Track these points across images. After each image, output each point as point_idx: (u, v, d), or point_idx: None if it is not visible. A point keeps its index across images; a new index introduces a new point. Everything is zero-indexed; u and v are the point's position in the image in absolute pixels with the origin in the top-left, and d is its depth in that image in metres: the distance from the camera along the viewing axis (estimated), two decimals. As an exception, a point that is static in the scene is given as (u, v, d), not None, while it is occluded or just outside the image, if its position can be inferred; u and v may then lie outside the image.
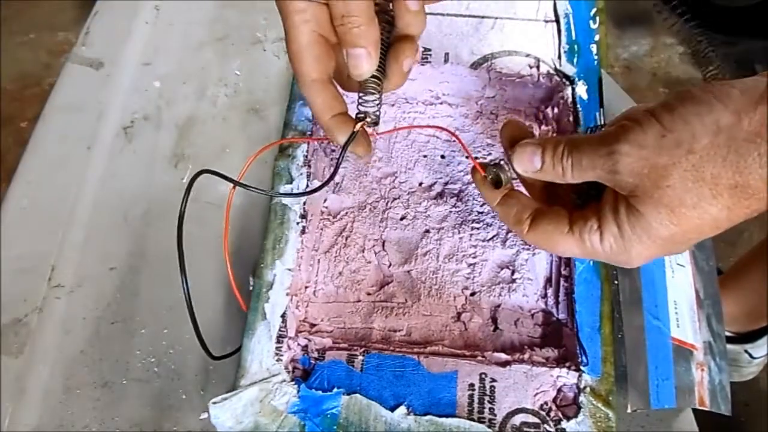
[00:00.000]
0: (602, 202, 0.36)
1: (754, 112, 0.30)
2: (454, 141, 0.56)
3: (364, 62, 0.38)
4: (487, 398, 0.42)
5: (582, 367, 0.43)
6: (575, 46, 0.55)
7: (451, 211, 0.52)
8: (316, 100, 0.41)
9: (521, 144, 0.39)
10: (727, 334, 0.95)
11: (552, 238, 0.38)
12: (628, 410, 0.42)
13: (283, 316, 0.45)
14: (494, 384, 0.43)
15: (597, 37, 0.55)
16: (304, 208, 0.49)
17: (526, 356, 0.45)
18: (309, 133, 0.52)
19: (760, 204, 0.31)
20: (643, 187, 0.33)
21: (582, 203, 0.39)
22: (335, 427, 0.41)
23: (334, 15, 0.37)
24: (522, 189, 0.43)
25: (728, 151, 0.31)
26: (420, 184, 0.54)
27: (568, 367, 0.43)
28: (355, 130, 0.41)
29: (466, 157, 0.54)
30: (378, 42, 0.38)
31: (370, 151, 0.45)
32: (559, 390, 0.43)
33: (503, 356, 0.44)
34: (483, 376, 0.43)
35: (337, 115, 0.41)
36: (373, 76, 0.40)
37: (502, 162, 0.41)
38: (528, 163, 0.39)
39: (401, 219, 0.52)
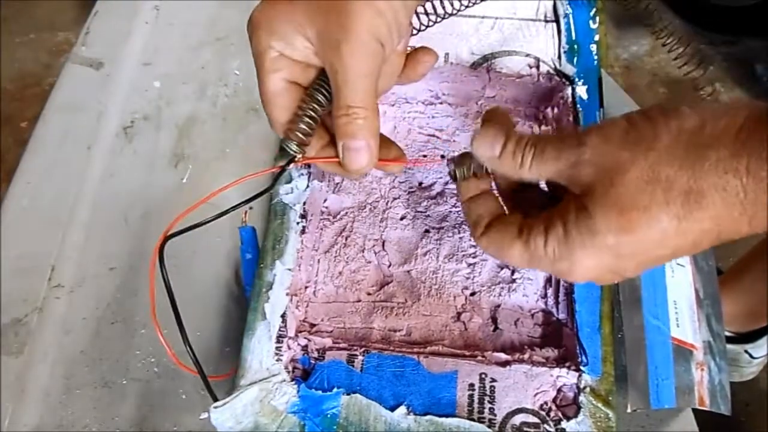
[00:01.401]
0: (554, 209, 0.35)
1: (720, 120, 0.30)
2: (453, 141, 0.56)
3: (364, 156, 0.36)
4: (487, 398, 0.42)
5: (582, 367, 0.43)
6: (575, 46, 0.55)
7: (451, 211, 0.52)
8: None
9: (486, 126, 0.37)
10: (727, 334, 0.95)
11: (501, 243, 0.36)
12: (628, 410, 0.42)
13: (283, 316, 0.45)
14: (494, 384, 0.43)
15: (597, 37, 0.55)
16: (304, 208, 0.49)
17: (526, 356, 0.45)
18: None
19: (711, 223, 0.30)
20: (598, 184, 0.31)
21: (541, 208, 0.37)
22: (335, 427, 0.41)
23: (337, 103, 0.35)
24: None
25: (687, 152, 0.30)
26: (420, 183, 0.54)
27: (568, 367, 0.43)
28: (285, 167, 0.39)
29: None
30: (378, 133, 0.36)
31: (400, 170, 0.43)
32: (559, 390, 0.43)
33: (503, 356, 0.44)
34: (483, 376, 0.43)
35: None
36: (310, 117, 0.37)
37: (466, 153, 0.39)
38: (488, 148, 0.36)
39: (401, 219, 0.52)
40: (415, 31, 0.40)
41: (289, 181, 0.50)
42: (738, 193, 0.29)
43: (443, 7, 0.40)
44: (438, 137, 0.56)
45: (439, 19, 0.40)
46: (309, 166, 0.50)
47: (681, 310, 0.48)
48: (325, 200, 0.53)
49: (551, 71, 0.54)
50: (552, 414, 0.42)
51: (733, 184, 0.29)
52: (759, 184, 0.28)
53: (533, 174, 0.35)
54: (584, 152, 0.32)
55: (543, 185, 0.40)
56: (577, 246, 0.32)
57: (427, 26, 0.40)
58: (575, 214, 0.33)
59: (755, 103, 0.30)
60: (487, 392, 0.42)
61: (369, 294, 0.50)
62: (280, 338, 0.44)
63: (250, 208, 0.54)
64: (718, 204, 0.29)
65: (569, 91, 0.53)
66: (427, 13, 0.39)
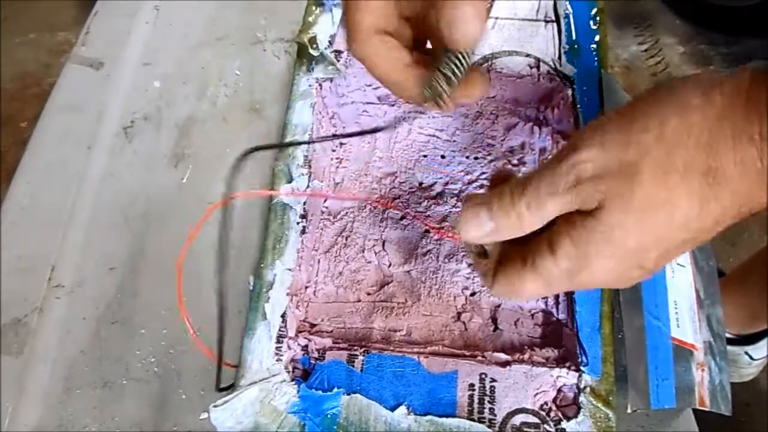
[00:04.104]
0: (553, 225, 0.32)
1: (724, 86, 0.28)
2: (454, 141, 0.56)
3: (470, 21, 0.31)
4: (487, 398, 0.42)
5: (582, 368, 0.43)
6: (575, 47, 0.55)
7: (451, 211, 0.52)
8: (379, 53, 0.34)
9: (463, 208, 0.33)
10: (728, 335, 0.95)
11: (512, 283, 0.33)
12: (628, 410, 0.42)
13: (283, 316, 0.45)
14: (494, 384, 0.43)
15: (597, 38, 0.55)
16: (304, 207, 0.49)
17: (526, 356, 0.45)
18: (309, 133, 0.52)
19: (731, 199, 0.28)
20: (612, 193, 0.29)
21: None
22: (335, 427, 0.41)
23: None
24: None
25: (700, 130, 0.27)
26: (420, 184, 0.54)
27: (568, 368, 0.43)
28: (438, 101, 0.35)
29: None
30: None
31: (486, 89, 0.37)
32: (559, 390, 0.43)
33: (503, 356, 0.44)
34: (483, 376, 0.43)
35: (407, 67, 0.35)
36: (459, 58, 0.33)
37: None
38: (475, 227, 0.32)
39: (401, 219, 0.52)
40: None
41: (290, 181, 0.50)
42: (755, 162, 0.27)
43: None
44: (438, 137, 0.56)
45: None
46: (309, 165, 0.50)
47: (681, 311, 0.48)
48: (325, 200, 0.53)
49: (551, 71, 0.54)
50: (552, 414, 0.42)
51: (750, 154, 0.27)
52: None
53: (536, 220, 0.31)
54: (582, 170, 0.29)
55: None
56: (594, 256, 0.30)
57: None
58: (582, 223, 0.30)
59: (755, 63, 0.28)
60: (488, 392, 0.42)
61: (369, 294, 0.50)
62: (280, 338, 0.44)
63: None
64: (736, 178, 0.27)
65: (569, 91, 0.53)
66: None
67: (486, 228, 0.32)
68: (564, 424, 0.41)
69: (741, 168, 0.27)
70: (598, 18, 0.56)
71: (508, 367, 0.43)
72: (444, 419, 0.41)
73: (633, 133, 0.29)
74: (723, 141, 0.27)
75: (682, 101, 0.28)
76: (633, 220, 0.29)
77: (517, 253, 0.33)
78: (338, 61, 0.54)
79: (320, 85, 0.54)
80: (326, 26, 0.55)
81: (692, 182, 0.28)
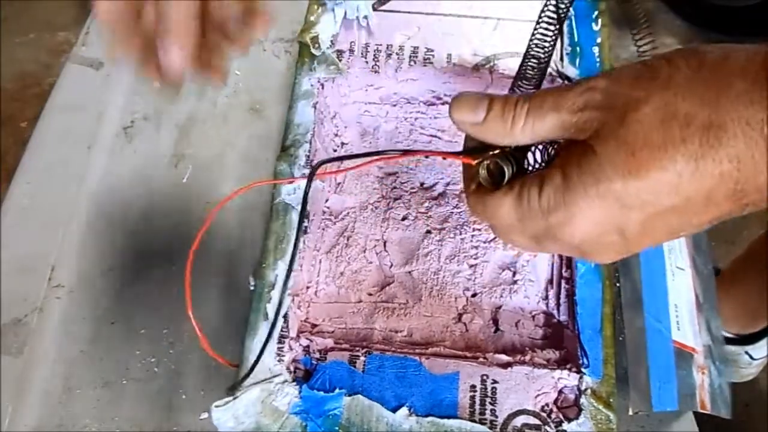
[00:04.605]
0: (554, 161, 0.31)
1: (742, 52, 0.27)
2: (456, 142, 0.56)
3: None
4: (488, 400, 0.42)
5: (583, 369, 0.43)
6: (577, 48, 0.55)
7: (452, 212, 0.52)
8: None
9: (465, 92, 0.33)
10: (728, 335, 0.95)
11: (491, 199, 0.32)
12: (630, 412, 0.42)
13: (284, 316, 0.45)
14: (495, 385, 0.43)
15: (599, 39, 0.55)
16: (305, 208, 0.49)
17: (527, 358, 0.44)
18: (311, 133, 0.52)
19: (730, 165, 0.26)
20: (608, 124, 0.28)
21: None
22: (337, 428, 0.41)
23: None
24: None
25: (708, 85, 0.27)
26: (422, 184, 0.54)
27: (569, 369, 0.43)
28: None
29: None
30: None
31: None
32: (560, 392, 0.43)
33: (504, 358, 0.44)
34: (484, 377, 0.43)
35: None
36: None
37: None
38: (469, 112, 0.32)
39: (402, 219, 0.52)
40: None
41: (291, 182, 0.50)
42: (762, 127, 0.26)
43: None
44: (440, 138, 0.56)
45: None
46: (311, 166, 0.50)
47: (681, 314, 0.48)
48: (327, 200, 0.53)
49: (553, 73, 0.54)
50: (553, 416, 0.42)
51: (757, 117, 0.26)
52: None
53: (529, 133, 0.31)
54: (592, 95, 0.29)
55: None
56: (578, 192, 0.29)
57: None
58: (578, 157, 0.29)
59: None
60: (489, 394, 0.42)
61: (370, 294, 0.50)
62: (281, 338, 0.44)
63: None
64: (739, 140, 0.26)
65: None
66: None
67: (477, 118, 0.32)
68: (565, 426, 0.41)
69: (745, 130, 0.26)
70: (600, 20, 0.56)
71: (509, 369, 0.43)
72: (445, 420, 0.41)
73: (645, 75, 0.29)
74: (731, 98, 0.26)
75: (699, 58, 0.28)
76: (623, 156, 0.28)
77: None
78: (340, 60, 0.54)
79: (322, 84, 0.54)
80: (328, 26, 0.55)
81: (692, 135, 0.27)
